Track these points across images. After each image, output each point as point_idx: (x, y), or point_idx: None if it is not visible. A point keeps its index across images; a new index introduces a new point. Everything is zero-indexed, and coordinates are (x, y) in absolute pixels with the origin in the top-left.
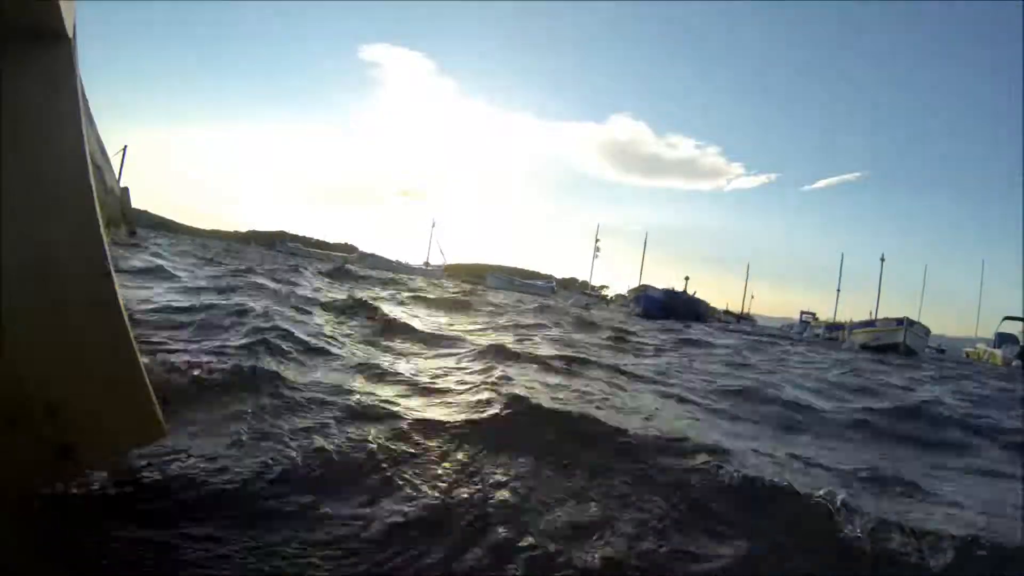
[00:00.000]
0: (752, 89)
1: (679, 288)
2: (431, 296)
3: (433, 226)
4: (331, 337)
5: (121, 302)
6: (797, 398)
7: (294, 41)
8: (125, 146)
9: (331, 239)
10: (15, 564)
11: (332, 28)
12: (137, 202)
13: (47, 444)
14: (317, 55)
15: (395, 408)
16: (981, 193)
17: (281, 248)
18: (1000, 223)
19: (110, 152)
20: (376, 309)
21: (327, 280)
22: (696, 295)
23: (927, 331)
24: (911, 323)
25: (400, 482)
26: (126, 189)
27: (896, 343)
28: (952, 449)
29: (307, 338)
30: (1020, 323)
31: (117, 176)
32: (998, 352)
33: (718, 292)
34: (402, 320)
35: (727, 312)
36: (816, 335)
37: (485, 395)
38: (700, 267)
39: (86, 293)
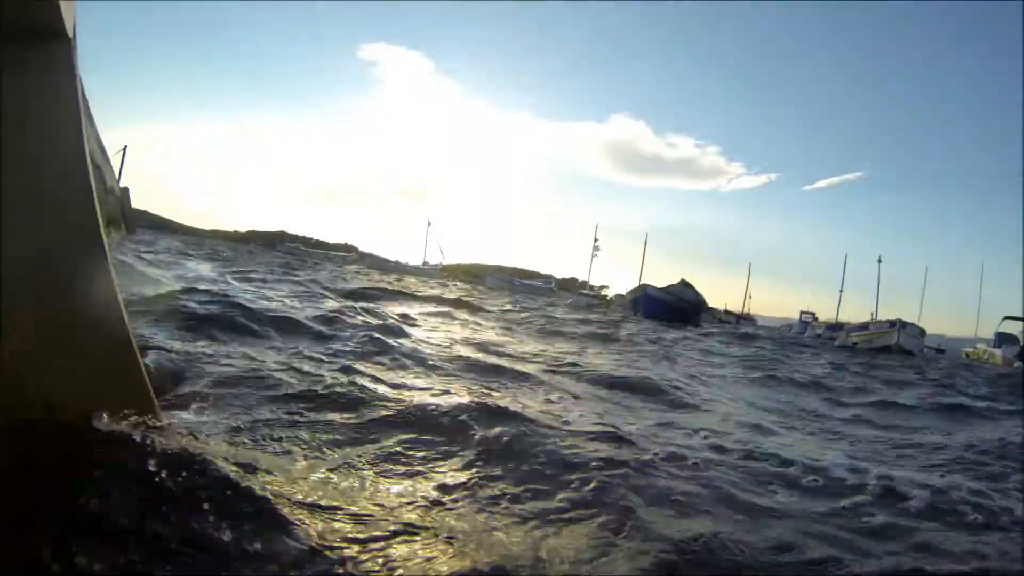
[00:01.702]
0: (753, 89)
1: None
2: None
3: (429, 225)
4: None
5: (121, 302)
6: None
7: (293, 40)
8: (125, 146)
9: (331, 239)
10: (15, 564)
11: (331, 26)
12: (137, 202)
13: (48, 444)
14: (316, 54)
15: None
16: (981, 193)
17: (281, 248)
18: (1000, 223)
19: (110, 152)
20: None
21: None
22: (689, 290)
23: (922, 332)
24: (903, 324)
25: None
26: (126, 189)
27: (889, 345)
28: None
29: None
30: (1020, 323)
31: (117, 176)
32: (998, 352)
33: (718, 292)
34: None
35: (727, 312)
36: (817, 335)
37: None
38: (700, 267)
39: (86, 293)
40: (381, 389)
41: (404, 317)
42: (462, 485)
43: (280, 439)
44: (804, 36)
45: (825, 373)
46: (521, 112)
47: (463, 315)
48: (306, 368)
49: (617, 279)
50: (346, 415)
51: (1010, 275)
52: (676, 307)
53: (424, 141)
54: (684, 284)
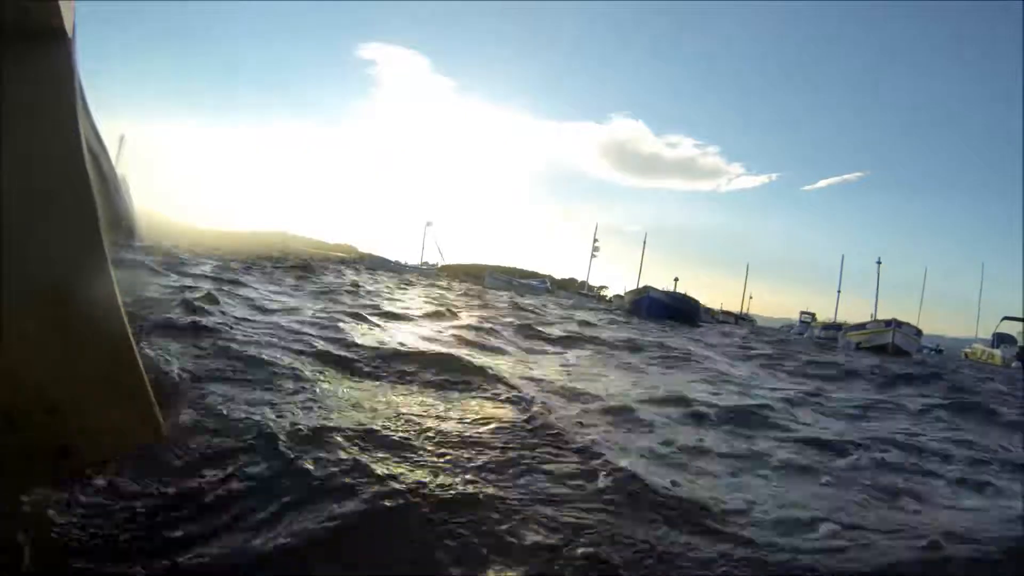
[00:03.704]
0: (753, 89)
1: (672, 289)
2: None
3: (428, 225)
4: None
5: (120, 302)
6: None
7: (290, 40)
8: (122, 136)
9: (330, 239)
10: (15, 565)
11: (325, 28)
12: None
13: (47, 444)
14: (314, 54)
15: None
16: (981, 193)
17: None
18: (1001, 223)
19: (109, 149)
20: None
21: None
22: (686, 295)
23: (918, 332)
24: (899, 324)
25: None
26: (126, 187)
27: (885, 344)
28: None
29: None
30: (1019, 323)
31: (115, 174)
32: (997, 352)
33: (718, 293)
34: None
35: (725, 312)
36: (817, 336)
37: None
38: (699, 267)
39: (86, 293)
40: None
41: None
42: None
43: None
44: (804, 36)
45: None
46: (521, 112)
47: None
48: None
49: (616, 279)
50: None
51: (1010, 275)
52: (677, 309)
53: (423, 140)
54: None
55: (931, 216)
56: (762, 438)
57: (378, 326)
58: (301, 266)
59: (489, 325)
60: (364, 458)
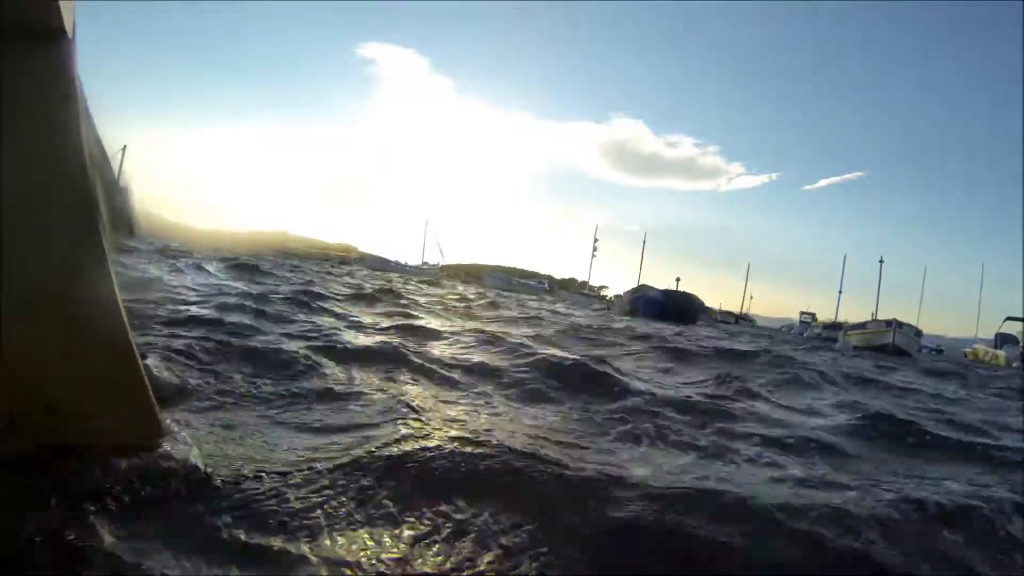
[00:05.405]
0: (753, 88)
1: (675, 289)
2: None
3: (427, 225)
4: None
5: (120, 302)
6: None
7: (289, 40)
8: (124, 146)
9: (330, 239)
10: (16, 564)
11: (324, 27)
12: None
13: (47, 444)
14: (312, 53)
15: None
16: (981, 193)
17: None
18: (1001, 223)
19: (109, 152)
20: None
21: None
22: (684, 292)
23: (918, 332)
24: (900, 324)
25: None
26: (127, 188)
27: (885, 344)
28: None
29: None
30: (1021, 324)
31: (116, 175)
32: (1001, 353)
33: (718, 293)
34: None
35: (725, 312)
36: (817, 335)
37: None
38: (699, 267)
39: (86, 293)
40: None
41: None
42: None
43: None
44: (804, 36)
45: None
46: (520, 112)
47: None
48: None
49: (616, 279)
50: None
51: (1010, 275)
52: (672, 306)
53: (422, 140)
54: (676, 288)
55: (931, 216)
56: None
57: None
58: None
59: None
60: None
